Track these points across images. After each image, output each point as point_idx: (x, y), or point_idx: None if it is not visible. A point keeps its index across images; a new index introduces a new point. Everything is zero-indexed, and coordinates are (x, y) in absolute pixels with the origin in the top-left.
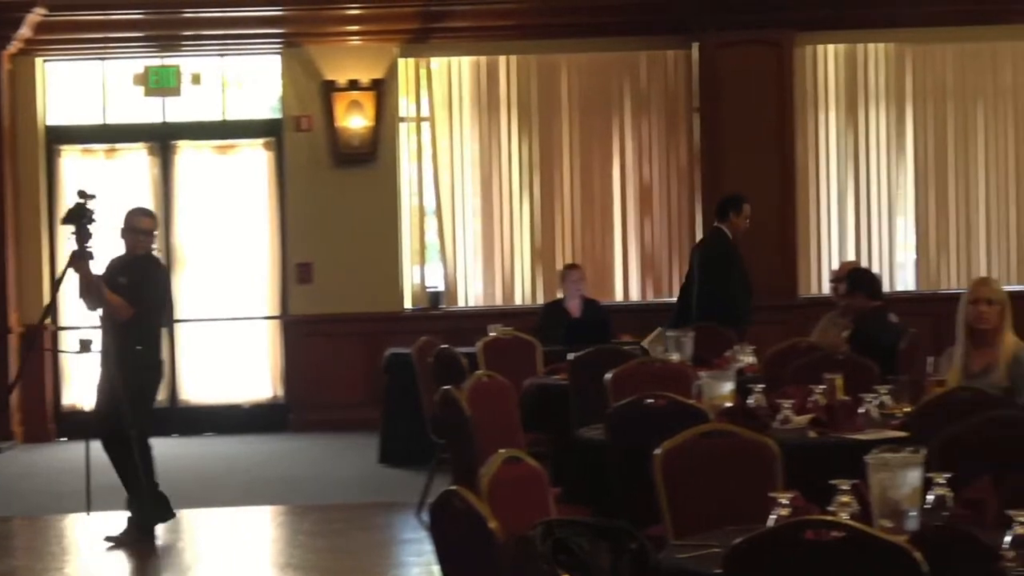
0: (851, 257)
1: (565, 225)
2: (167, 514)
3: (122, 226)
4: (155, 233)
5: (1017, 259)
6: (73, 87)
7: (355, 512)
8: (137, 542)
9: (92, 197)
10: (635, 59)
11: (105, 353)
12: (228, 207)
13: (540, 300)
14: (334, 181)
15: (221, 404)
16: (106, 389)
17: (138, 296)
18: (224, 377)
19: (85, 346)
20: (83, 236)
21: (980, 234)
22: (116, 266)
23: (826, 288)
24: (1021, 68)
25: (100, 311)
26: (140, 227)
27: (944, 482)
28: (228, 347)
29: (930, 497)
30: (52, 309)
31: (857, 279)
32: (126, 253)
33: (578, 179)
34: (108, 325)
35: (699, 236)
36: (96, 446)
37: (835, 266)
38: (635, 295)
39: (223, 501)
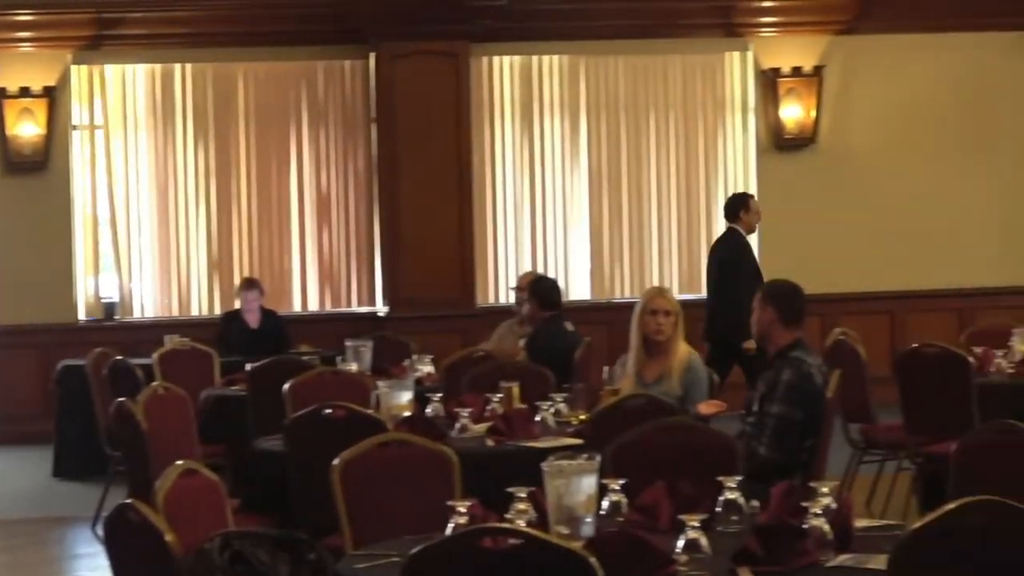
0: (527, 266)
1: (242, 235)
2: None
3: None
4: None
5: (688, 269)
6: None
7: (28, 527)
8: None
9: None
10: (312, 69)
11: None
12: None
13: (217, 310)
14: (4, 190)
15: None
16: None
17: None
18: None
19: None
20: None
21: (652, 244)
22: None
23: (503, 297)
24: (690, 81)
25: None
26: None
27: (618, 488)
28: None
29: (605, 503)
30: None
31: (533, 288)
32: None
33: (255, 189)
34: None
35: (378, 246)
36: None
37: (512, 275)
38: (313, 305)
39: None
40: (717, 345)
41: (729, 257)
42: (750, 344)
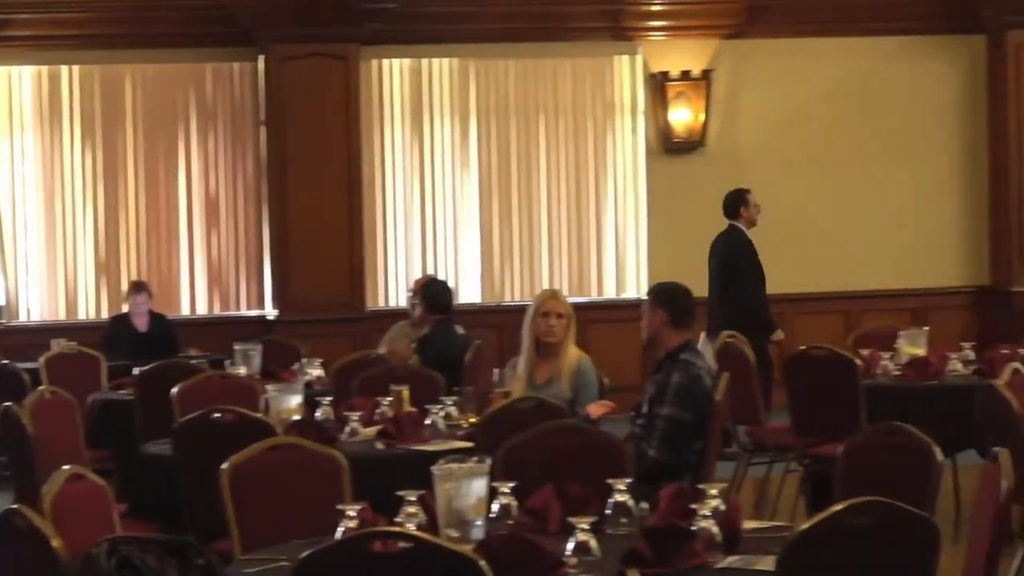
0: (418, 269)
1: (130, 238)
2: None
3: None
4: None
5: (578, 271)
6: None
7: None
8: None
9: None
10: (201, 71)
11: None
12: None
13: (105, 314)
14: None
15: None
16: None
17: None
18: None
19: None
20: None
21: (542, 247)
22: None
23: (394, 300)
24: (580, 84)
25: None
26: None
27: (508, 491)
28: None
29: (495, 506)
30: None
31: (424, 291)
32: None
33: (143, 191)
34: None
35: (267, 248)
36: None
37: (402, 278)
38: (202, 308)
39: None
40: None
41: (732, 255)
42: (778, 335)
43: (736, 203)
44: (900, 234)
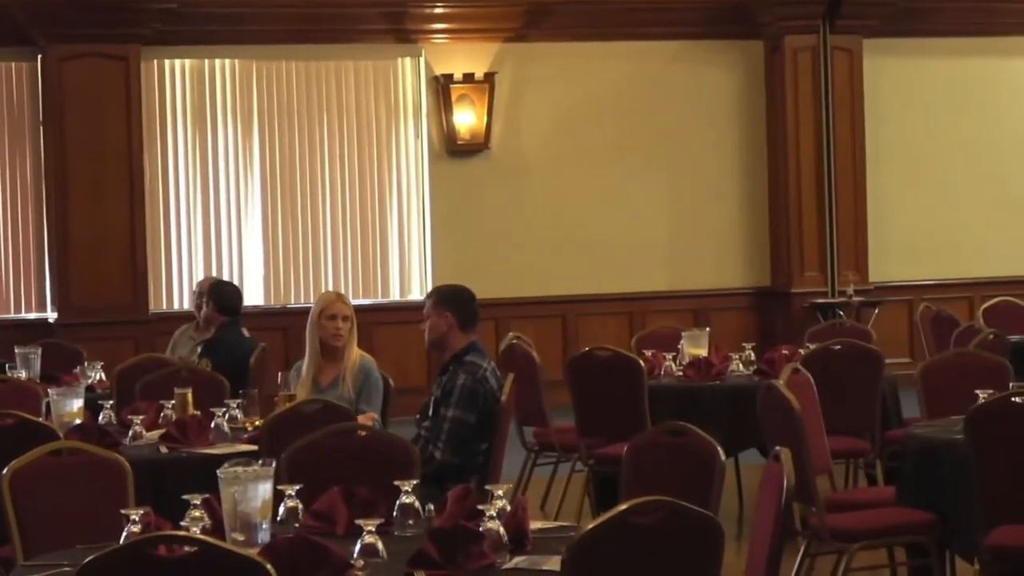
0: (201, 272)
1: None
2: None
3: None
4: None
5: (362, 274)
6: None
7: None
8: None
9: None
10: None
11: None
12: None
13: None
14: None
15: None
16: None
17: None
18: None
19: None
20: None
21: (327, 249)
22: None
23: (177, 303)
24: (364, 87)
25: None
26: None
27: (294, 494)
28: None
29: (281, 510)
30: None
31: (214, 291)
32: None
33: None
34: None
35: (47, 251)
36: None
37: (186, 281)
38: None
39: None
40: None
41: None
42: None
43: None
44: (682, 236)
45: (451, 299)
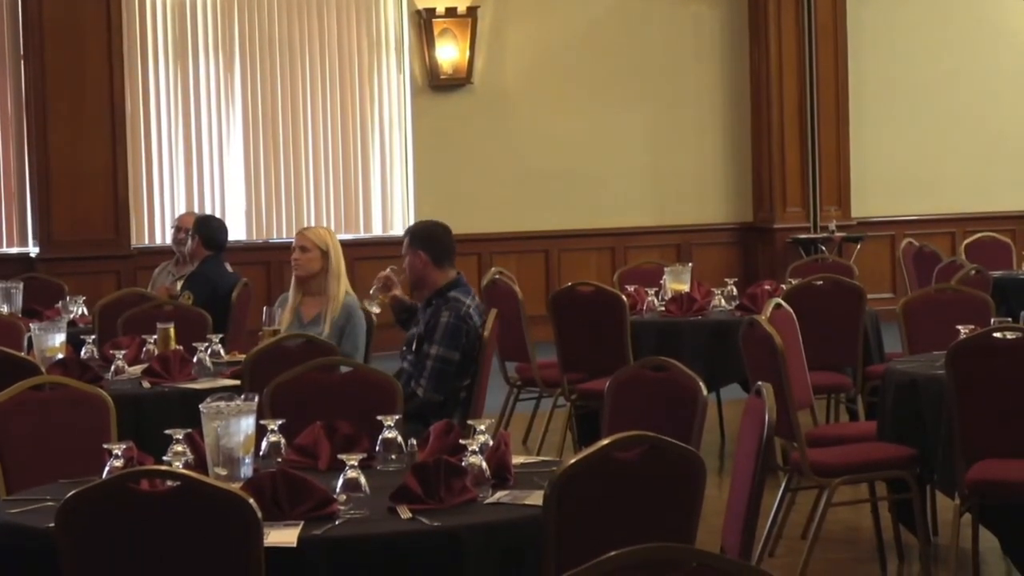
0: (183, 207)
1: None
2: None
3: None
4: None
5: (344, 208)
6: None
7: None
8: None
9: None
10: None
11: None
12: None
13: None
14: None
15: None
16: None
17: None
18: None
19: None
20: None
21: (309, 184)
22: None
23: (159, 238)
24: (345, 21)
25: None
26: None
27: (277, 429)
28: None
29: (263, 444)
30: None
31: (200, 225)
32: None
33: None
34: None
35: (28, 185)
36: None
37: (168, 216)
38: None
39: None
40: None
41: None
42: None
43: None
44: (664, 171)
45: (422, 236)
